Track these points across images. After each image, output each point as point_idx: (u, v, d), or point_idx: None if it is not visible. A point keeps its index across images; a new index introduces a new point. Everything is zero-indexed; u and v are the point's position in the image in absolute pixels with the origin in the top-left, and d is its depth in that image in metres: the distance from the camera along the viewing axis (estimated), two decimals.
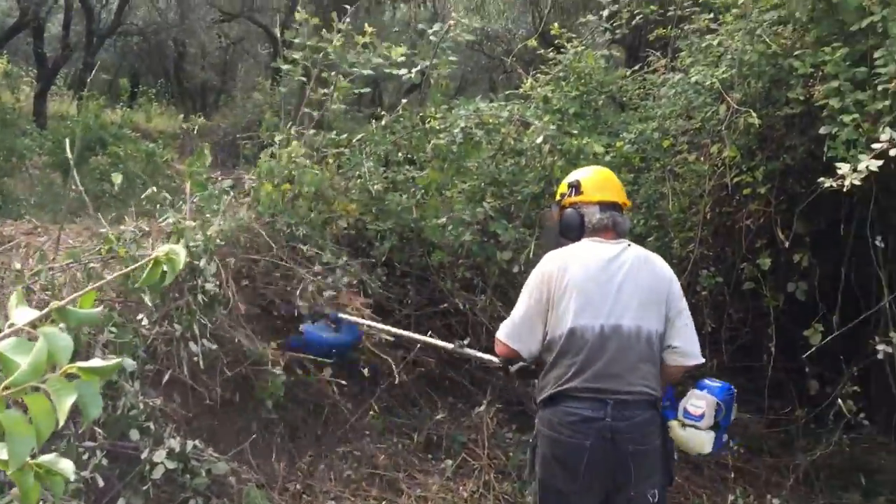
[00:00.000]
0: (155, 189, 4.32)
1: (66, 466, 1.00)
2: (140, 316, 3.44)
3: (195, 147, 9.53)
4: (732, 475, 4.73)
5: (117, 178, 3.84)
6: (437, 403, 4.64)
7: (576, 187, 3.04)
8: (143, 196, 4.28)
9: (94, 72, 9.75)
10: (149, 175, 5.75)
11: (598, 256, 2.85)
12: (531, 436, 2.99)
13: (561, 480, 2.75)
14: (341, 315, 4.03)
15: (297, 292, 4.05)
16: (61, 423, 0.95)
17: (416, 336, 4.06)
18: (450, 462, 4.19)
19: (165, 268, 1.17)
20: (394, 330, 4.10)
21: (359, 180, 4.91)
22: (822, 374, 5.12)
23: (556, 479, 2.76)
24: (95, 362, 1.01)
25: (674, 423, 2.86)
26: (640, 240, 5.14)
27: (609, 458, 2.66)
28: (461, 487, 4.04)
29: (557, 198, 3.15)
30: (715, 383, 2.92)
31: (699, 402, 2.82)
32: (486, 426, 4.40)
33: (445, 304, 4.79)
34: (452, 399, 4.74)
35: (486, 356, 3.52)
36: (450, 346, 3.71)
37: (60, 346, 0.96)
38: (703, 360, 2.93)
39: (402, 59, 4.98)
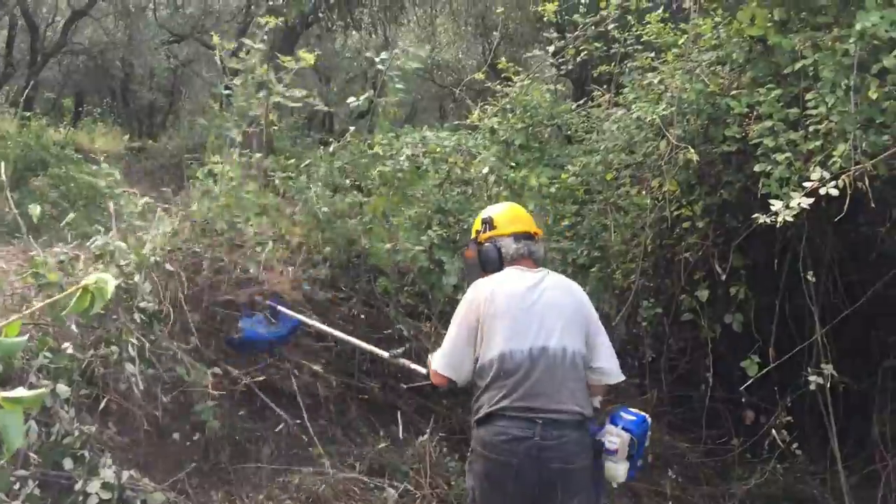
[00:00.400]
0: (74, 215, 4.22)
1: None
2: (66, 344, 3.35)
3: (143, 170, 9.43)
4: (670, 502, 4.81)
5: (35, 210, 3.73)
6: (380, 432, 4.62)
7: (489, 223, 3.25)
8: (63, 223, 4.15)
9: (36, 91, 9.55)
10: (91, 198, 5.65)
11: (521, 284, 3.04)
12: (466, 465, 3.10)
13: (491, 496, 2.88)
14: (280, 308, 4.08)
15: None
16: None
17: (353, 340, 4.13)
18: (392, 491, 4.16)
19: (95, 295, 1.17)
20: (330, 330, 4.17)
21: (305, 204, 4.91)
22: (758, 405, 5.26)
23: (487, 494, 2.89)
24: (19, 391, 1.00)
25: None
26: (583, 270, 5.25)
27: (536, 476, 2.79)
28: None
29: (473, 235, 3.34)
30: (629, 416, 3.05)
31: (614, 438, 2.96)
32: (428, 455, 4.39)
33: (390, 330, 4.79)
34: (395, 427, 4.72)
35: (418, 367, 3.67)
36: (385, 354, 3.84)
37: None
38: (624, 377, 3.13)
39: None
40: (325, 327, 4.19)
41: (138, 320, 3.48)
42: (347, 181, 5.34)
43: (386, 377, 4.82)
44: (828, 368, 4.50)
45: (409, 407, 4.83)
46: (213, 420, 3.59)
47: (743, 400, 5.19)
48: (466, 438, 4.71)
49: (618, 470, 2.96)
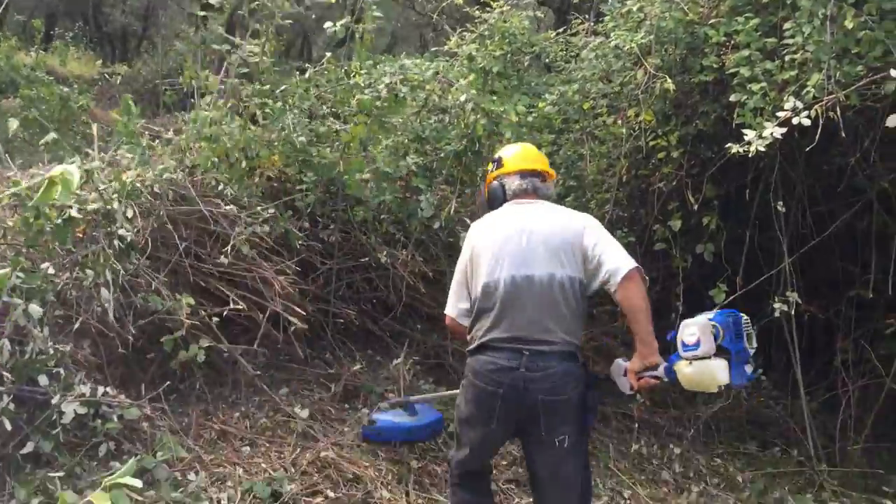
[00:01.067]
0: (55, 135, 4.19)
1: None
2: (45, 265, 3.35)
3: (117, 94, 9.25)
4: (637, 426, 4.96)
5: (13, 125, 3.69)
6: (356, 355, 4.70)
7: (498, 162, 3.30)
8: (42, 142, 4.12)
9: (7, 12, 9.29)
10: (63, 121, 5.57)
11: (513, 216, 3.08)
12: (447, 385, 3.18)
13: (477, 420, 2.97)
14: (413, 398, 3.95)
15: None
16: None
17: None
18: (366, 411, 4.26)
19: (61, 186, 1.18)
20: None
21: (283, 132, 4.87)
22: None
23: (474, 418, 2.99)
24: None
25: (681, 364, 2.79)
26: (559, 200, 5.25)
27: (521, 405, 2.84)
28: None
29: (486, 175, 3.40)
30: (711, 312, 2.83)
31: (692, 328, 2.75)
32: (402, 378, 4.49)
33: (367, 259, 4.83)
34: (371, 352, 4.81)
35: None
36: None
37: None
38: (635, 264, 2.87)
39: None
40: (440, 394, 4.12)
41: (116, 247, 3.48)
42: (325, 108, 5.30)
43: (362, 303, 4.88)
44: (792, 296, 4.60)
45: (385, 332, 4.91)
46: (196, 349, 3.61)
47: None
48: (440, 363, 4.84)
49: (712, 367, 2.69)
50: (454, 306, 3.12)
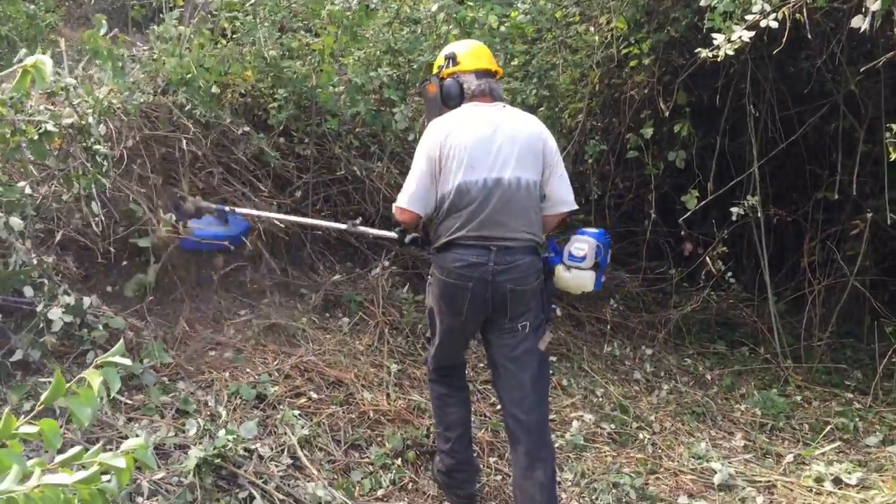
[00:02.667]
0: (26, 51, 4.16)
1: None
2: (22, 184, 3.37)
3: (89, 14, 9.04)
4: (610, 328, 5.14)
5: None
6: (336, 267, 4.80)
7: (452, 59, 3.29)
8: (15, 60, 4.10)
9: None
10: (31, 39, 5.48)
11: (479, 118, 3.12)
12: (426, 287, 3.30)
13: (447, 314, 3.13)
14: (227, 209, 4.08)
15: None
16: None
17: (308, 220, 4.26)
18: (346, 320, 4.39)
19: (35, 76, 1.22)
20: (284, 217, 4.22)
21: (253, 47, 4.84)
22: (697, 238, 5.53)
23: (444, 313, 3.14)
24: None
25: (559, 268, 3.18)
26: (531, 110, 5.27)
27: (489, 296, 3.00)
28: (357, 341, 4.26)
29: (435, 70, 3.37)
30: (592, 229, 3.26)
31: (582, 244, 3.14)
32: (381, 287, 4.61)
33: (342, 172, 4.87)
34: (350, 263, 4.91)
35: (381, 232, 3.84)
36: (343, 226, 3.92)
37: None
38: (577, 207, 3.23)
39: None
40: (279, 216, 4.22)
41: (96, 163, 3.51)
42: (296, 21, 5.24)
43: (339, 216, 4.94)
44: (753, 200, 4.71)
45: (362, 244, 4.99)
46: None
47: (682, 233, 5.44)
48: (418, 272, 4.94)
49: (585, 277, 3.14)
50: (419, 202, 3.11)
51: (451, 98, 3.23)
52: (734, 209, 4.70)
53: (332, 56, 4.85)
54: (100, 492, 1.34)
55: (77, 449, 1.38)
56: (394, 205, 3.24)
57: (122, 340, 1.49)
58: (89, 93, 3.65)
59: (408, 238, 3.38)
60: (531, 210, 3.06)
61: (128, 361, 1.46)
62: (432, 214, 3.15)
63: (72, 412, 1.37)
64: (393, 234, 3.58)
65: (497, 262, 2.97)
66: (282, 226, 4.42)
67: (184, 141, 4.18)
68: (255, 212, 4.20)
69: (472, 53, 3.30)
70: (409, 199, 3.12)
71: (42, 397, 1.37)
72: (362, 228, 3.87)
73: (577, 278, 3.16)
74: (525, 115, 3.26)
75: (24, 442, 1.41)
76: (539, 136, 3.14)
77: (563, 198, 3.15)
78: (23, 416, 1.37)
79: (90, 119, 3.42)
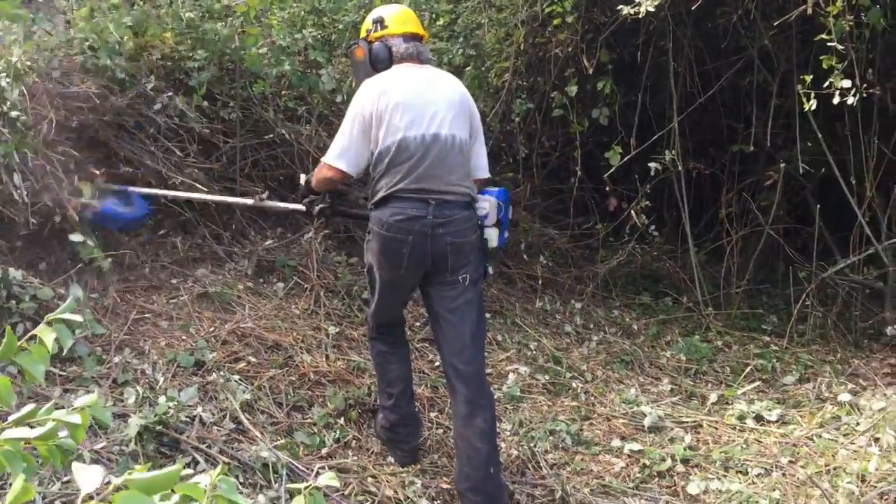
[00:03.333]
0: None
1: None
2: None
3: None
4: (541, 284, 5.25)
5: None
6: (267, 232, 4.75)
7: (380, 22, 3.36)
8: None
9: None
10: None
11: (413, 78, 3.21)
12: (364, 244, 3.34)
13: (387, 268, 3.17)
14: (131, 189, 4.00)
15: None
16: None
17: (214, 197, 4.23)
18: (281, 285, 4.37)
19: None
20: (188, 195, 4.17)
21: (171, 7, 4.70)
22: (621, 193, 5.68)
23: (384, 267, 3.18)
24: None
25: None
26: (458, 70, 5.33)
27: (428, 250, 3.09)
28: (293, 306, 4.25)
29: (363, 34, 3.43)
30: (492, 188, 3.40)
31: (484, 204, 3.28)
32: (315, 251, 4.59)
33: (271, 135, 4.81)
34: (281, 229, 4.86)
35: (287, 205, 3.94)
36: (250, 201, 3.98)
37: None
38: (489, 175, 3.43)
39: None
40: (182, 193, 4.16)
41: (12, 127, 3.38)
42: None
43: (268, 181, 4.88)
44: (670, 155, 4.87)
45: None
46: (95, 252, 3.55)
47: (607, 189, 5.59)
48: (351, 236, 4.95)
49: (490, 234, 3.29)
50: (349, 161, 3.17)
51: (380, 61, 3.29)
52: (652, 164, 4.85)
53: (255, 18, 4.76)
54: (57, 447, 1.33)
55: (30, 407, 1.37)
56: (322, 160, 3.27)
57: (73, 295, 1.47)
58: (1, 56, 3.50)
59: (316, 209, 3.47)
60: (464, 166, 3.19)
61: (79, 318, 1.45)
62: (368, 173, 3.20)
63: (24, 369, 1.35)
64: (301, 207, 3.61)
65: (436, 215, 3.06)
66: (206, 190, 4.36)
67: (102, 105, 4.05)
68: (159, 191, 4.10)
69: (399, 17, 3.36)
70: (338, 155, 3.18)
71: None
72: (270, 203, 3.94)
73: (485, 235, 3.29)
74: (453, 79, 3.37)
75: None
76: (468, 99, 3.30)
77: (482, 164, 3.34)
78: None
79: (2, 83, 3.28)
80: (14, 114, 3.33)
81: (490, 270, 3.39)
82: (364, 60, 3.35)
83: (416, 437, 3.46)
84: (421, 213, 3.05)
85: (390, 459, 3.43)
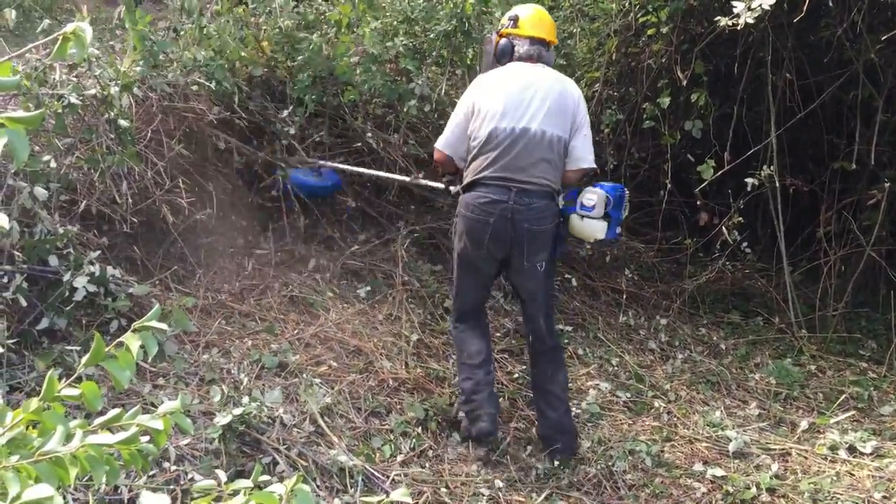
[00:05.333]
0: (50, 22, 4.18)
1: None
2: (47, 157, 3.39)
3: None
4: (625, 298, 5.15)
5: (10, 14, 3.67)
6: (354, 236, 4.82)
7: (514, 20, 3.65)
8: (38, 30, 4.12)
9: None
10: (47, 10, 5.48)
11: (518, 75, 3.51)
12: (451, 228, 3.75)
13: (470, 247, 3.49)
14: (322, 163, 4.57)
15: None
16: None
17: (378, 173, 4.65)
18: (366, 289, 4.42)
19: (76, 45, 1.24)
20: (361, 170, 4.64)
21: (269, 16, 4.82)
22: (713, 208, 5.51)
23: (467, 247, 3.50)
24: (18, 112, 1.12)
25: (573, 217, 3.56)
26: None
27: (508, 233, 3.38)
28: (377, 311, 4.30)
29: (499, 27, 3.73)
30: (607, 183, 3.61)
31: (592, 195, 3.51)
32: (400, 258, 4.63)
33: (359, 144, 4.88)
34: (366, 235, 4.92)
35: (434, 183, 4.27)
36: (407, 178, 4.46)
37: None
38: (596, 167, 3.64)
39: None
40: (357, 169, 4.63)
41: (120, 137, 3.53)
42: None
43: (356, 185, 4.95)
44: (769, 171, 4.69)
45: (380, 215, 5.01)
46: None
47: (698, 203, 5.43)
48: (436, 243, 4.97)
49: (595, 226, 3.50)
50: (450, 145, 3.57)
51: (503, 56, 3.62)
52: (749, 180, 4.69)
53: (347, 27, 4.84)
54: (139, 452, 1.38)
55: (116, 411, 1.42)
56: (435, 145, 3.67)
57: (158, 305, 1.52)
58: (112, 64, 3.66)
59: (453, 189, 3.81)
60: (552, 161, 3.42)
61: (164, 326, 1.50)
62: (465, 160, 3.55)
63: (111, 375, 1.41)
64: (440, 185, 4.03)
65: (516, 201, 3.35)
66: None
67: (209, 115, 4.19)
68: (339, 165, 4.62)
69: (532, 20, 3.62)
70: (443, 141, 3.61)
71: (83, 360, 1.41)
72: (422, 180, 4.37)
73: (589, 226, 3.52)
74: (563, 78, 3.61)
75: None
76: (572, 96, 3.52)
77: (583, 155, 3.51)
78: (62, 382, 1.41)
79: (112, 90, 3.44)
80: (122, 122, 3.48)
81: (560, 251, 3.68)
82: (491, 52, 3.72)
83: (492, 405, 3.49)
84: (502, 198, 3.35)
85: (464, 469, 3.43)
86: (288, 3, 4.91)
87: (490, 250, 3.43)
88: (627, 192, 3.66)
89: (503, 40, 3.64)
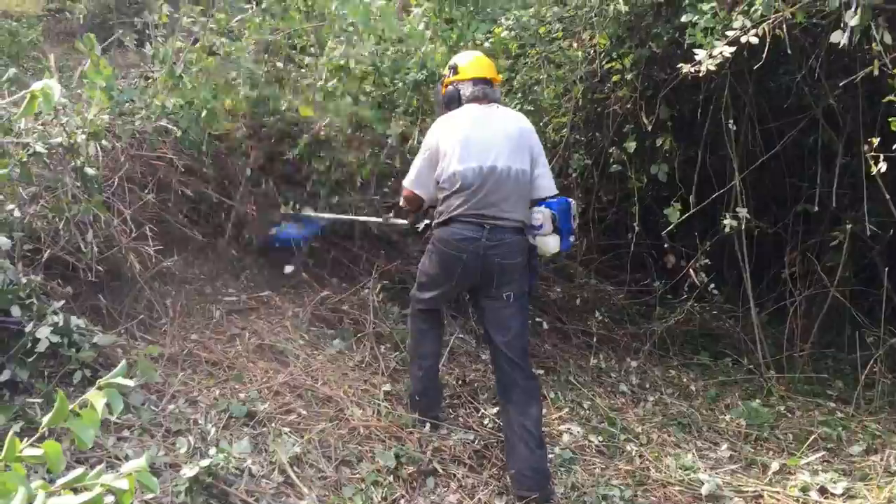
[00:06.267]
0: (16, 70, 4.15)
1: None
2: (10, 206, 3.35)
3: (69, 30, 9.00)
4: (596, 340, 5.17)
5: None
6: (323, 282, 4.80)
7: (454, 69, 3.90)
8: (4, 78, 4.10)
9: None
10: (13, 56, 5.46)
11: (475, 116, 3.71)
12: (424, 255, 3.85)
13: (441, 278, 3.72)
14: (303, 214, 4.79)
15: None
16: None
17: (352, 217, 4.84)
18: (336, 336, 4.39)
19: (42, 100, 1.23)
20: (335, 216, 4.83)
21: (241, 71, 4.83)
22: (680, 250, 5.59)
23: (439, 276, 3.72)
24: None
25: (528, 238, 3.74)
26: None
27: (479, 268, 3.57)
28: (348, 358, 4.26)
29: (443, 77, 3.99)
30: (553, 200, 3.76)
31: (538, 215, 3.69)
32: (371, 303, 4.61)
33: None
34: (337, 279, 4.91)
35: (401, 221, 4.49)
36: (380, 219, 4.66)
37: None
38: (557, 191, 3.81)
39: None
40: (331, 216, 4.82)
41: (86, 186, 3.50)
42: (281, 38, 5.24)
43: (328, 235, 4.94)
44: (742, 212, 4.78)
45: (350, 261, 5.00)
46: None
47: (665, 246, 5.50)
48: (406, 287, 4.95)
49: (548, 242, 3.71)
50: (420, 185, 3.77)
51: (452, 102, 3.83)
52: (726, 221, 4.77)
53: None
54: None
55: (79, 471, 1.38)
56: (403, 184, 3.88)
57: (124, 361, 1.49)
58: (79, 113, 3.64)
59: (421, 225, 4.05)
60: (519, 195, 3.61)
61: (130, 383, 1.47)
62: (435, 197, 3.72)
63: (75, 435, 1.37)
64: (405, 222, 4.33)
65: (489, 238, 3.52)
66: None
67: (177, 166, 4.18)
68: (313, 213, 4.79)
69: (471, 64, 3.87)
70: (411, 181, 3.81)
71: (45, 420, 1.37)
72: (395, 220, 4.57)
73: (542, 243, 3.72)
74: (515, 114, 3.89)
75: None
76: (527, 130, 3.77)
77: (547, 184, 3.75)
78: (24, 440, 1.37)
79: (79, 138, 3.41)
80: (89, 170, 3.45)
81: (536, 289, 3.82)
82: (440, 101, 3.94)
83: (437, 409, 3.94)
84: (476, 235, 3.52)
85: None
86: (259, 56, 4.93)
87: (459, 281, 3.66)
88: (573, 202, 3.84)
89: (449, 88, 3.85)
